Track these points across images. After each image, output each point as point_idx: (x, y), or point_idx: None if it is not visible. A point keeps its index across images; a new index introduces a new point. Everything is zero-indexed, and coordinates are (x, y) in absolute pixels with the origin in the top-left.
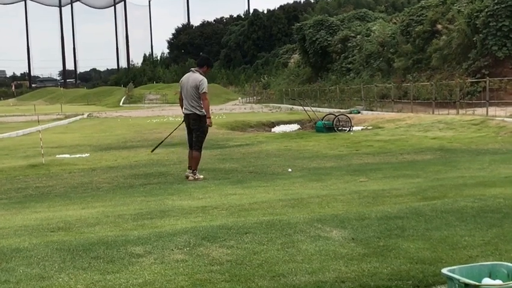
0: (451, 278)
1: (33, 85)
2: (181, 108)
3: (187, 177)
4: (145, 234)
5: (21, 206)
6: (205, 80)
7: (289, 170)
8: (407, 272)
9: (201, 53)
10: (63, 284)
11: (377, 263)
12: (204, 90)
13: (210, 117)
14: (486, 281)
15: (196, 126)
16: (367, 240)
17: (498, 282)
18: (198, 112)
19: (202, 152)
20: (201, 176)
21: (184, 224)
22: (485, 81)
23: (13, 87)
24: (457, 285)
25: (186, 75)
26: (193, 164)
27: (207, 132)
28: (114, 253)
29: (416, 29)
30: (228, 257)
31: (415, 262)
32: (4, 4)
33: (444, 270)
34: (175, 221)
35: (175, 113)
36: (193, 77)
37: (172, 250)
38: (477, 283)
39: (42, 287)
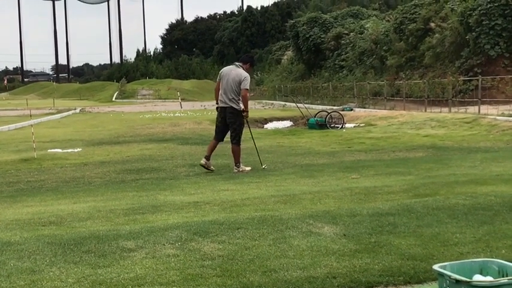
0: (442, 274)
1: (25, 79)
2: (216, 98)
3: (202, 165)
4: (137, 229)
5: (12, 200)
6: (249, 77)
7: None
8: (398, 268)
9: (246, 54)
10: (54, 277)
11: (368, 259)
12: (246, 87)
13: (247, 111)
14: (477, 277)
15: (233, 119)
16: (358, 237)
17: (489, 278)
18: (235, 106)
19: (218, 143)
20: (247, 168)
21: (176, 219)
22: (477, 80)
23: (5, 82)
24: (448, 281)
25: (228, 67)
26: (236, 157)
27: (243, 125)
28: (106, 247)
29: (410, 27)
30: (220, 252)
31: (407, 258)
32: None
33: (435, 267)
34: (167, 216)
35: (168, 109)
36: (237, 72)
37: (164, 245)
38: (468, 279)
39: (33, 280)
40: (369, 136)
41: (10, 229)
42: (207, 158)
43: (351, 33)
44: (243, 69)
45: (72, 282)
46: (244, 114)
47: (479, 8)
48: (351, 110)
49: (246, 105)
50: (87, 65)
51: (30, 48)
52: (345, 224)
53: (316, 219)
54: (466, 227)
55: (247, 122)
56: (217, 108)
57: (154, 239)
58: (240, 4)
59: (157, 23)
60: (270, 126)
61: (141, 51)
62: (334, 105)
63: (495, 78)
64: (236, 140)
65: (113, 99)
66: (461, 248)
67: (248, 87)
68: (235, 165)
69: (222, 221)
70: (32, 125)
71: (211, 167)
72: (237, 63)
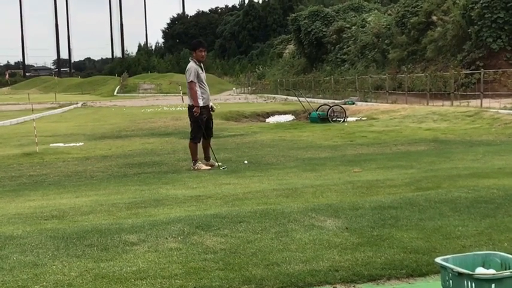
0: (444, 267)
1: (27, 74)
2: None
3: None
4: (139, 223)
5: (15, 194)
6: (191, 67)
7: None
8: (401, 261)
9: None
10: (57, 271)
11: (371, 252)
12: (188, 80)
13: (197, 106)
14: (480, 270)
15: (188, 115)
16: (360, 230)
17: (492, 271)
18: (189, 102)
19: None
20: (204, 167)
21: (178, 213)
22: (479, 73)
23: (7, 76)
24: (450, 274)
25: None
26: (191, 153)
27: (198, 121)
28: (108, 241)
29: (412, 21)
30: (222, 246)
31: (409, 251)
32: None
33: (438, 260)
34: (169, 210)
35: (169, 103)
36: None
37: (167, 238)
38: (471, 272)
39: (36, 274)
40: (371, 130)
41: (12, 223)
42: (207, 158)
43: (353, 27)
44: (192, 59)
45: (75, 275)
46: (194, 110)
47: (481, 1)
48: (353, 103)
49: (194, 99)
50: (88, 59)
51: (32, 42)
52: (347, 218)
53: (318, 212)
54: (468, 220)
55: (209, 119)
56: None
57: (157, 232)
58: None
59: (158, 17)
60: (271, 120)
61: (142, 45)
62: (336, 99)
63: (497, 71)
64: (191, 136)
65: (115, 93)
66: (463, 241)
67: (191, 79)
68: (192, 162)
69: (224, 215)
70: (34, 120)
71: (216, 164)
72: (190, 56)
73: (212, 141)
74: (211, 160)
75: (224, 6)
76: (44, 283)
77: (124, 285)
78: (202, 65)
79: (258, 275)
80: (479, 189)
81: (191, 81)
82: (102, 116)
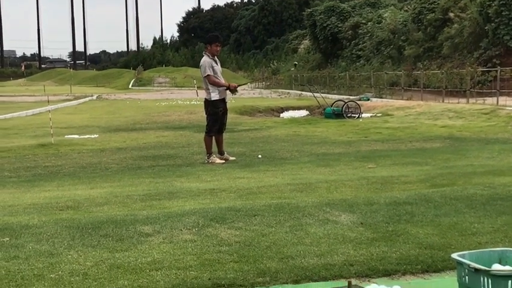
0: (461, 263)
1: (42, 66)
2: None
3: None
4: (154, 214)
5: (30, 184)
6: (204, 61)
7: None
8: (416, 256)
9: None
10: (72, 260)
11: (386, 248)
12: (205, 74)
13: (230, 84)
14: (496, 266)
15: (205, 109)
16: (375, 225)
17: (508, 268)
18: (206, 97)
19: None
20: (218, 160)
21: (192, 206)
22: (496, 71)
23: (23, 68)
24: (466, 270)
25: None
26: (205, 147)
27: (215, 116)
28: (123, 232)
29: (428, 17)
30: (237, 238)
31: (424, 247)
32: None
33: (454, 255)
34: (183, 203)
35: (184, 97)
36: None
37: (181, 230)
38: (487, 268)
39: (52, 263)
40: (386, 126)
41: (28, 213)
42: (221, 153)
43: (369, 23)
44: (205, 53)
45: (90, 265)
46: (230, 85)
47: None
48: (368, 99)
49: (222, 84)
50: (104, 52)
51: (48, 34)
52: (362, 213)
53: (333, 207)
54: (484, 217)
55: (224, 113)
56: None
57: (172, 224)
58: None
59: (174, 11)
60: (286, 115)
61: (157, 39)
62: (351, 95)
63: None
64: (207, 130)
65: (130, 86)
66: (479, 237)
67: (208, 73)
68: (206, 156)
69: (238, 208)
70: (49, 111)
71: (230, 158)
72: (204, 50)
73: (227, 135)
74: (225, 154)
75: (240, 1)
76: (60, 272)
77: (139, 276)
78: (216, 58)
79: (273, 268)
80: (495, 186)
81: (208, 75)
82: (116, 108)
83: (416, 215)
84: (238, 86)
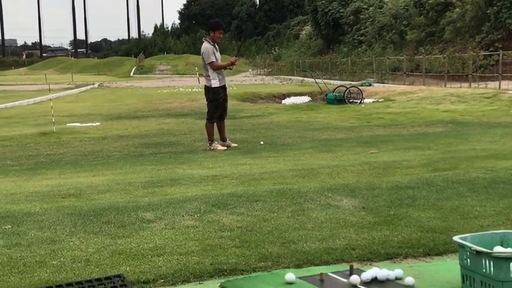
0: (462, 246)
1: (44, 54)
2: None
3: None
4: (156, 201)
5: (32, 172)
6: (206, 48)
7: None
8: (418, 240)
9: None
10: (74, 247)
11: (387, 231)
12: (208, 61)
13: (232, 61)
14: (498, 248)
15: (205, 95)
16: (377, 209)
17: (510, 250)
18: (206, 83)
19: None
20: (220, 147)
21: (194, 192)
22: (498, 55)
23: (24, 57)
24: (468, 252)
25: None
26: (207, 134)
27: (214, 101)
28: (125, 218)
29: (430, 1)
30: (239, 224)
31: (426, 231)
32: None
33: (456, 238)
34: (185, 189)
35: (185, 84)
36: (201, 48)
37: (183, 216)
38: (489, 250)
39: (54, 250)
40: (388, 111)
41: (30, 201)
42: (223, 139)
43: (370, 8)
44: (206, 39)
45: (92, 251)
46: (232, 60)
47: None
48: (370, 85)
49: (225, 65)
50: (105, 40)
51: (49, 23)
52: (363, 197)
53: (334, 192)
54: (486, 200)
55: (225, 100)
56: None
57: (173, 210)
58: None
59: None
60: (288, 101)
61: (158, 26)
62: (352, 81)
63: None
64: (208, 116)
65: (131, 74)
66: (481, 221)
67: (212, 59)
68: (208, 142)
69: (240, 194)
70: (51, 100)
71: (232, 144)
72: (205, 36)
73: (228, 122)
74: (227, 141)
75: None
76: (62, 259)
77: (141, 262)
78: (216, 45)
79: (275, 253)
80: (497, 170)
81: (212, 61)
82: (118, 96)
83: (418, 199)
84: (236, 58)
